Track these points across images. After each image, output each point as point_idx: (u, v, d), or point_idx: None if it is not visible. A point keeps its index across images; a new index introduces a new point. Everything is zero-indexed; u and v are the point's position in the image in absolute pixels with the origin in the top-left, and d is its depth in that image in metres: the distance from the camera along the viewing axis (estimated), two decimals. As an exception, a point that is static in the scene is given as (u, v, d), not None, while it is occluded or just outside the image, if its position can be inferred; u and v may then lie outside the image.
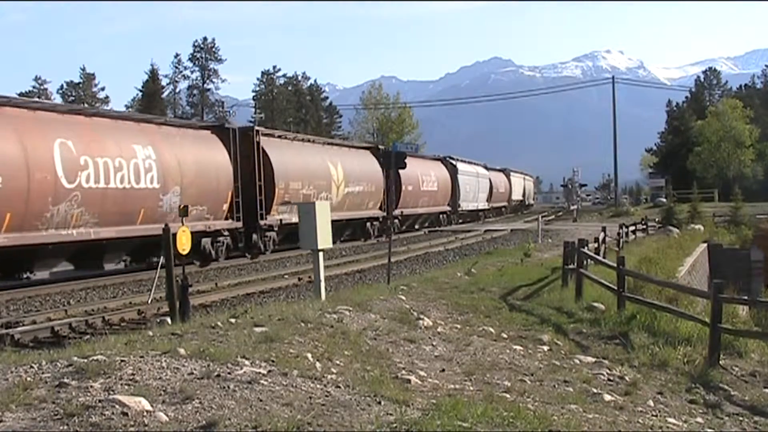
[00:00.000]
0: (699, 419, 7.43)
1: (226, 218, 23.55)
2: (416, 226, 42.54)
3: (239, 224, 24.01)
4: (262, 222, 25.04)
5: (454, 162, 49.45)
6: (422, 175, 41.82)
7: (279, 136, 29.01)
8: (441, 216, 45.84)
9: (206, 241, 22.48)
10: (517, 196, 75.95)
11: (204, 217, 22.35)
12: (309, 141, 32.28)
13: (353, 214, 32.44)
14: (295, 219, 30.26)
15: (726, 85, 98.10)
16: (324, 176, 29.89)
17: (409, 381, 6.94)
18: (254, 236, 25.05)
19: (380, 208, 34.89)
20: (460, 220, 50.59)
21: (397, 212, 36.18)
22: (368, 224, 34.30)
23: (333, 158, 31.56)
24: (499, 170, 69.10)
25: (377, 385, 6.19)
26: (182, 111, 78.67)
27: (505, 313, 12.03)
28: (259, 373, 5.87)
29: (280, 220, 26.34)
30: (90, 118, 19.61)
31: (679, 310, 12.17)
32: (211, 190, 22.65)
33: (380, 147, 37.76)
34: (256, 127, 28.23)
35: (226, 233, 23.53)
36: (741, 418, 7.72)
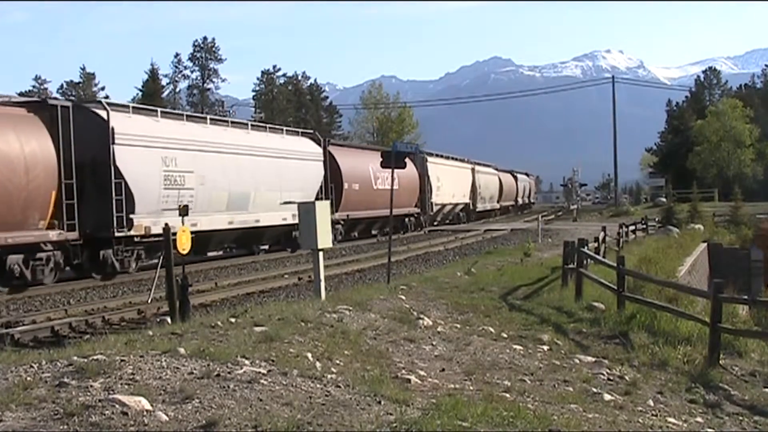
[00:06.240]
0: (699, 419, 7.42)
1: None
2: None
3: None
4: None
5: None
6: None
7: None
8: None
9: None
10: (456, 197, 48.87)
11: None
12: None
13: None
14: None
15: (726, 85, 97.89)
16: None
17: (409, 381, 6.95)
18: None
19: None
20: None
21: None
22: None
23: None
24: (402, 152, 35.88)
25: (377, 384, 6.19)
26: (182, 110, 78.61)
27: (505, 313, 12.03)
28: (259, 372, 5.88)
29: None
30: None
31: (679, 310, 12.16)
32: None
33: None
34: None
35: None
36: (741, 418, 7.71)
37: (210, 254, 24.38)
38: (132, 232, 19.33)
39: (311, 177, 28.64)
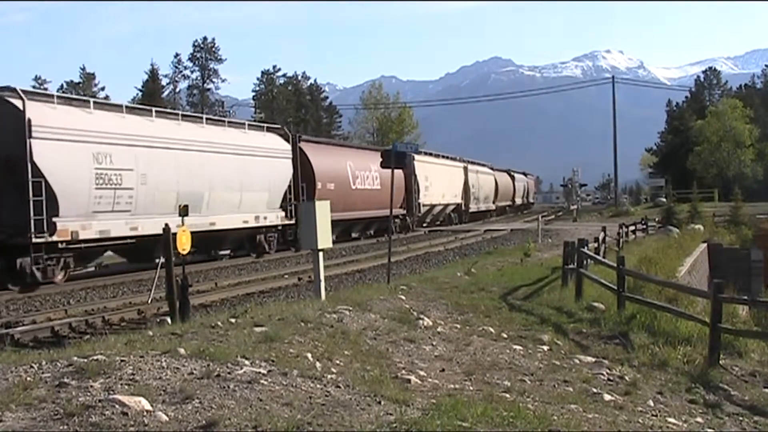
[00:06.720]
0: (699, 419, 7.43)
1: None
2: None
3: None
4: None
5: None
6: None
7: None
8: None
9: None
10: (447, 197, 46.35)
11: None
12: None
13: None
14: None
15: (726, 85, 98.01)
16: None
17: (409, 381, 6.95)
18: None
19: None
20: None
21: None
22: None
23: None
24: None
25: (377, 384, 6.19)
26: (182, 110, 78.54)
27: (505, 313, 12.03)
28: (259, 372, 5.88)
29: None
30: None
31: (679, 310, 12.17)
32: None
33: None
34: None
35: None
36: (741, 418, 7.71)
37: (158, 261, 21.89)
38: (55, 238, 17.02)
39: (277, 176, 26.19)
